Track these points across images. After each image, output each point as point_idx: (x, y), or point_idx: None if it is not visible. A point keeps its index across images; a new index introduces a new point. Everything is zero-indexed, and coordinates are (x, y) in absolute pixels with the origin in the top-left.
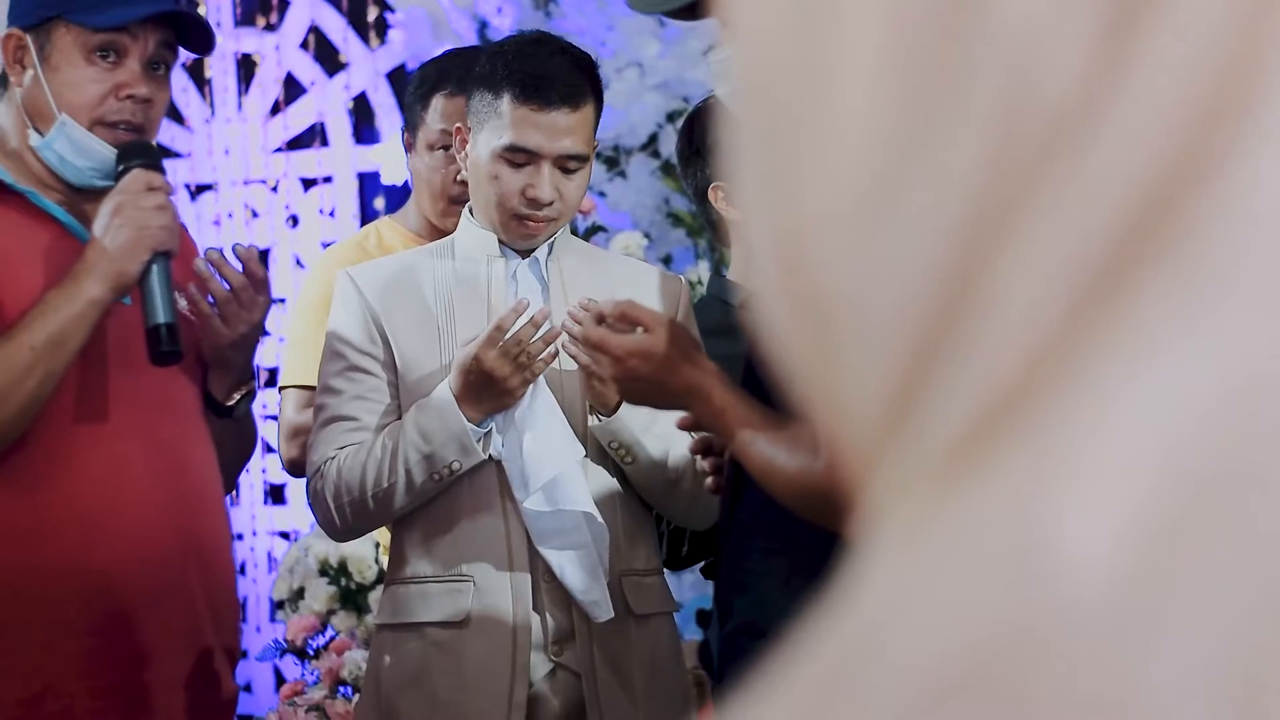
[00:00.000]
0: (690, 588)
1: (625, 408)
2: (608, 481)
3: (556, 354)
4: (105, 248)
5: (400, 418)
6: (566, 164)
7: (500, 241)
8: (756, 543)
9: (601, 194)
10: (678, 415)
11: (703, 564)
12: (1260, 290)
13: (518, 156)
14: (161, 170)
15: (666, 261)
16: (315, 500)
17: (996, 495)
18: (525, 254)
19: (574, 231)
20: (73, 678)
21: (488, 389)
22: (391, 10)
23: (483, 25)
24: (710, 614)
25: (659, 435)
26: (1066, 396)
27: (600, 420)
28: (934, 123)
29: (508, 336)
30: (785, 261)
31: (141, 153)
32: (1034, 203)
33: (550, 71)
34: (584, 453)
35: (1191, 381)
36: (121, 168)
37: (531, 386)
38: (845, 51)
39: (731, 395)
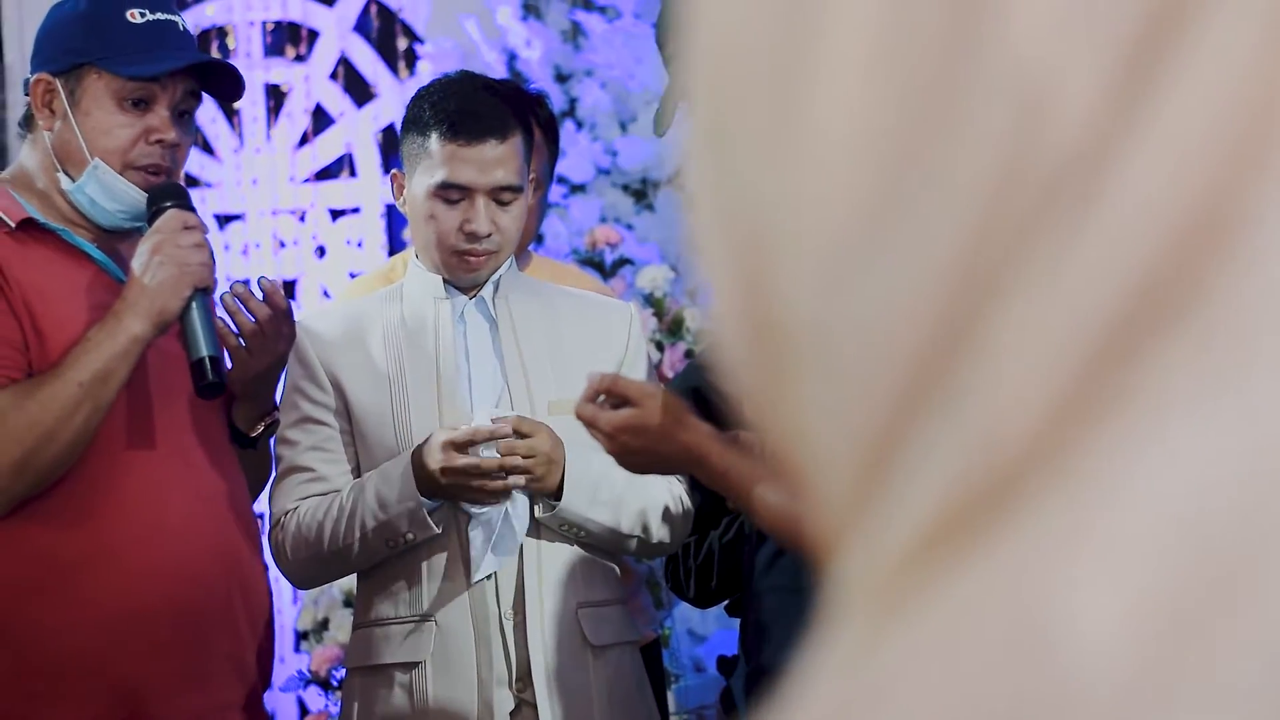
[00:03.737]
0: (710, 619)
1: (566, 494)
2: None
3: (511, 490)
4: (146, 285)
5: (356, 465)
6: (500, 195)
7: (446, 281)
8: (777, 581)
9: (629, 226)
10: (621, 478)
11: (727, 601)
12: None
13: (451, 193)
14: (194, 210)
15: (693, 295)
16: (276, 552)
17: (994, 569)
18: (472, 289)
19: (600, 264)
20: (123, 707)
21: (441, 494)
22: (421, 42)
23: (512, 57)
24: (732, 661)
25: (605, 503)
26: (1074, 466)
27: (546, 510)
28: (930, 154)
29: (470, 461)
30: (748, 282)
31: (172, 194)
32: (1038, 253)
33: (474, 107)
34: (519, 547)
35: (1211, 455)
36: (154, 209)
37: None
38: (832, 58)
39: (730, 455)
